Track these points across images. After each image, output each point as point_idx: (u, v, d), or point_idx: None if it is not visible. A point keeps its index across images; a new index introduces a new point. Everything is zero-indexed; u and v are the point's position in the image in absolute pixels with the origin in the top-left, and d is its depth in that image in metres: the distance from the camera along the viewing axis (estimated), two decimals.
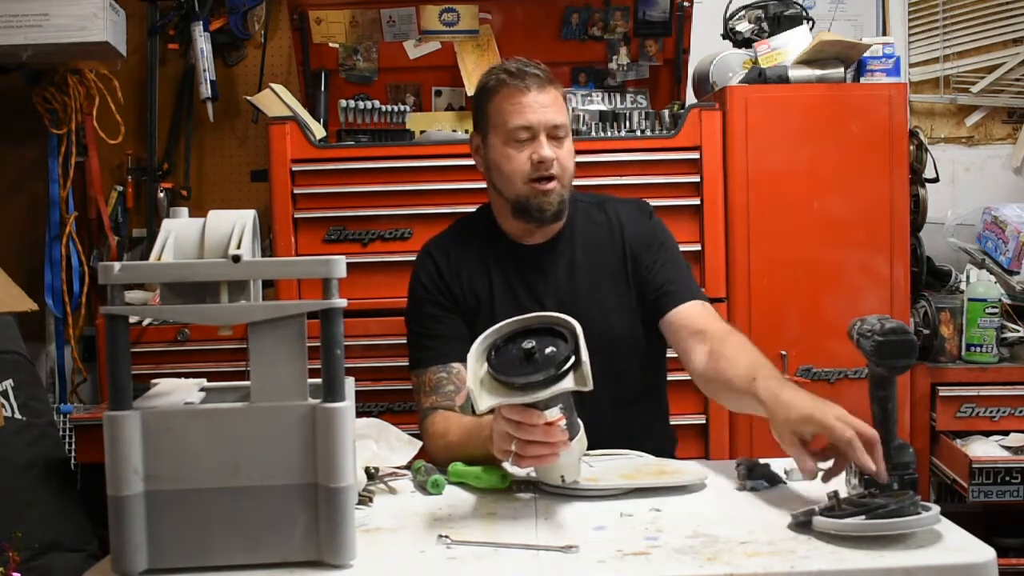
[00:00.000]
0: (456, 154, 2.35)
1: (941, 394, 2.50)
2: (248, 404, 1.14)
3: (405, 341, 1.82)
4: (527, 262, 1.79)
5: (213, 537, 1.12)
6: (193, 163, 3.19)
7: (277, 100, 2.51)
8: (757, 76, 2.48)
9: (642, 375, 1.80)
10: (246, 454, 1.12)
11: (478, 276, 1.79)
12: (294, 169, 2.39)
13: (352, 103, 2.49)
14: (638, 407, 1.78)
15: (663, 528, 1.24)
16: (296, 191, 2.39)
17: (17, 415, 2.11)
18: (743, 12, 2.68)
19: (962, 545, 1.14)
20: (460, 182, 2.33)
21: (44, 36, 2.69)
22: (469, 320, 1.76)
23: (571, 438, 1.30)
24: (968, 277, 2.69)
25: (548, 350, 1.25)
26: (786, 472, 1.43)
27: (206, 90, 2.93)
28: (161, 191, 3.04)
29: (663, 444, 1.75)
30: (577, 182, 1.82)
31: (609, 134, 2.53)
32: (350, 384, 1.18)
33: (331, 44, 2.96)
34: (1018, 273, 2.64)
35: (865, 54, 2.50)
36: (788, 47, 2.52)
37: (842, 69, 2.48)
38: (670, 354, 1.81)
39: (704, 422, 2.40)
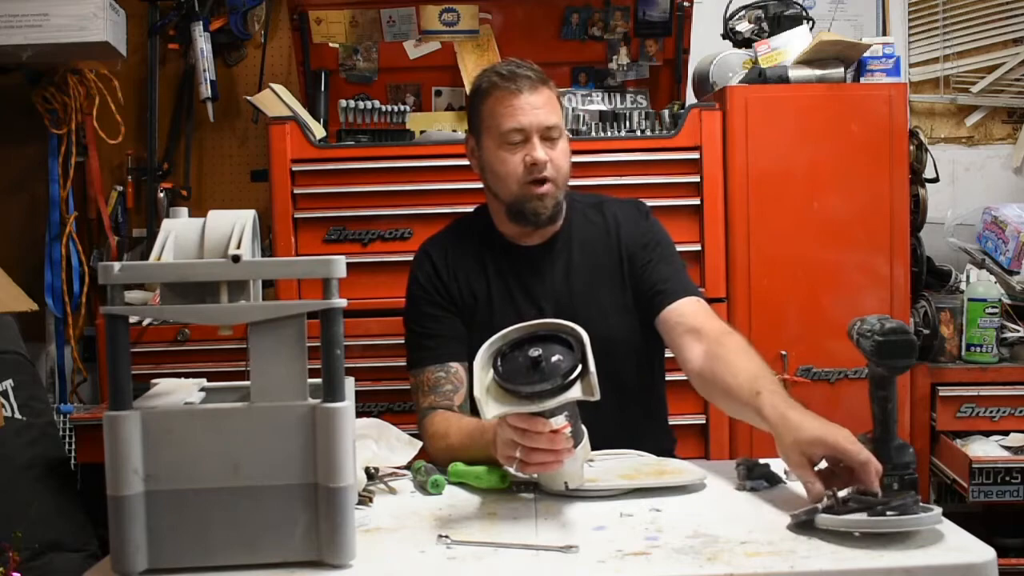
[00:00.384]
0: (456, 154, 2.33)
1: (941, 394, 2.50)
2: (248, 404, 1.14)
3: (404, 341, 1.82)
4: (524, 264, 1.78)
5: (213, 537, 1.12)
6: (193, 163, 3.18)
7: (277, 100, 2.51)
8: (757, 76, 2.48)
9: (640, 375, 1.79)
10: (246, 454, 1.12)
11: (475, 277, 1.78)
12: (294, 169, 2.39)
13: (352, 103, 2.49)
14: (637, 408, 1.78)
15: (663, 528, 1.24)
16: (296, 191, 2.39)
17: (17, 415, 2.11)
18: (743, 12, 2.67)
19: (962, 545, 1.13)
20: (460, 182, 2.33)
21: (44, 36, 2.69)
22: (466, 320, 1.76)
23: (575, 445, 1.29)
24: (968, 277, 2.69)
25: (555, 358, 1.25)
26: (786, 472, 1.42)
27: (206, 90, 2.93)
28: (161, 191, 3.04)
29: (662, 444, 1.74)
30: (577, 182, 1.82)
31: (609, 134, 2.52)
32: (350, 384, 1.18)
33: (331, 44, 2.97)
34: (1018, 273, 2.64)
35: (865, 54, 2.50)
36: (788, 47, 2.52)
37: (842, 69, 2.48)
38: (668, 354, 1.81)
39: (704, 422, 2.40)
